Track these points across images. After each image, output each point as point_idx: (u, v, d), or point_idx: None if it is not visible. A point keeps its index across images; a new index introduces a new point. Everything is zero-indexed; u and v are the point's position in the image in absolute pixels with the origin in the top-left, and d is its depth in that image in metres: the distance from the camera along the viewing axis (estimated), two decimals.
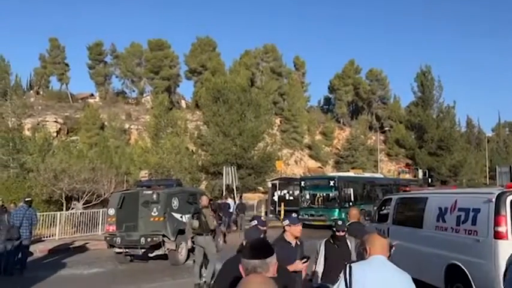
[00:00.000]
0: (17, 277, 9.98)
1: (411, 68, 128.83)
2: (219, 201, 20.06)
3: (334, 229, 5.07)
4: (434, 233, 7.19)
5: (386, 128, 54.45)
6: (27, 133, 29.69)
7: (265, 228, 4.37)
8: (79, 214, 17.83)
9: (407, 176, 35.96)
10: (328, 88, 67.84)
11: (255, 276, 1.81)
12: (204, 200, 9.39)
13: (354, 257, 4.83)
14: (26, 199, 11.08)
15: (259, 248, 2.19)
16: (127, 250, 11.35)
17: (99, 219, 17.80)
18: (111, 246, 11.59)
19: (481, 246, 6.07)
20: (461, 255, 6.42)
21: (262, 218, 4.84)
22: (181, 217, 12.00)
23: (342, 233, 5.02)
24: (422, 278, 7.02)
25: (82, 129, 41.89)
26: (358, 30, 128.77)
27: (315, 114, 62.88)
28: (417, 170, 36.96)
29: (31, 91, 55.60)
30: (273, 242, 4.17)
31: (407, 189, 11.62)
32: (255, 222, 4.33)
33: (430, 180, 34.31)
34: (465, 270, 6.27)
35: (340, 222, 5.15)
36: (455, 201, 6.87)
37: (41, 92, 56.43)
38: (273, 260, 2.16)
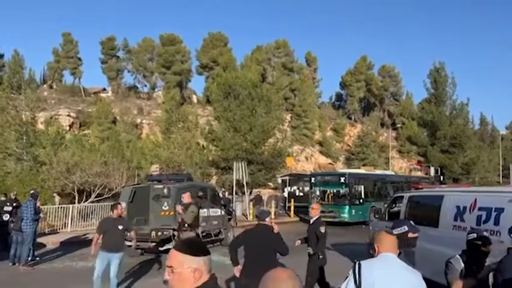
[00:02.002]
0: (27, 268, 10.18)
1: (424, 64, 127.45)
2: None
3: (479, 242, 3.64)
4: (452, 233, 6.93)
5: (398, 125, 54.01)
6: (40, 127, 30.05)
7: (417, 234, 3.82)
8: (92, 207, 18.03)
9: (419, 174, 35.69)
10: (340, 84, 67.48)
11: (283, 271, 1.70)
12: (186, 197, 9.40)
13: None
14: (31, 192, 11.40)
15: (199, 243, 2.07)
16: (138, 243, 11.45)
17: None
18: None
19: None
20: None
21: (411, 222, 4.17)
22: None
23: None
24: (437, 278, 6.89)
25: (94, 123, 42.26)
26: (371, 26, 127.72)
27: (326, 111, 62.61)
28: (429, 167, 36.58)
29: (44, 85, 56.22)
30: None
31: (420, 186, 11.50)
32: (405, 228, 3.74)
33: (442, 178, 33.96)
34: None
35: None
36: (475, 200, 6.62)
37: (54, 86, 57.01)
38: None
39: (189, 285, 1.88)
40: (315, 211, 6.82)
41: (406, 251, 3.16)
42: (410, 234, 3.43)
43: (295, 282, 1.64)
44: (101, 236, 7.55)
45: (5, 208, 12.19)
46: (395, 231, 3.46)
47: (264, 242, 5.13)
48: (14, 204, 12.37)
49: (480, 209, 6.45)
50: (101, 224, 7.97)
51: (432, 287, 6.29)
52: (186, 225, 8.99)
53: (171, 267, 1.90)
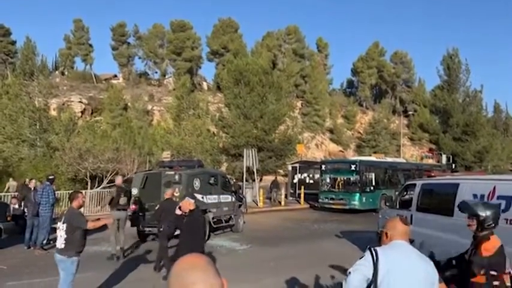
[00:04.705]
0: (42, 252, 10.43)
1: (437, 50, 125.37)
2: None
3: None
4: (468, 222, 6.83)
5: (410, 112, 53.43)
6: (53, 113, 30.39)
7: None
8: (105, 193, 18.27)
9: (431, 161, 35.42)
10: (351, 71, 66.79)
11: (195, 257, 1.32)
12: (118, 180, 10.70)
13: None
14: (49, 177, 11.60)
15: None
16: (149, 229, 11.61)
17: None
18: (134, 224, 11.90)
19: None
20: None
21: None
22: (202, 197, 12.19)
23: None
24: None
25: (106, 109, 42.52)
26: (383, 12, 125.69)
27: (337, 97, 62.10)
28: (441, 155, 36.27)
29: (56, 72, 56.57)
30: None
31: (433, 174, 11.41)
32: None
33: (453, 165, 33.69)
34: None
35: None
36: (494, 188, 6.40)
37: (66, 73, 57.36)
38: None
39: None
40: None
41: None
42: None
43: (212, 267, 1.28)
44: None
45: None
46: None
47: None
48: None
49: (499, 197, 6.25)
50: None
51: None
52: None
53: None
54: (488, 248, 3.43)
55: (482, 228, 3.56)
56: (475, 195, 6.73)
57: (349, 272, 2.75)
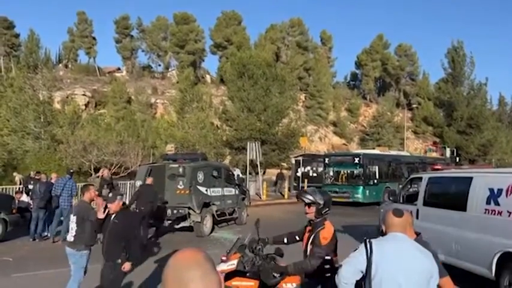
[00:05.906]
0: (51, 243, 10.53)
1: (442, 43, 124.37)
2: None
3: None
4: (483, 217, 6.45)
5: (414, 105, 53.18)
6: (57, 106, 30.48)
7: None
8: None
9: (435, 155, 35.31)
10: (355, 63, 66.42)
11: (192, 252, 1.28)
12: (101, 172, 11.86)
13: None
14: (70, 171, 11.85)
15: None
16: (152, 221, 11.69)
17: (126, 190, 18.30)
18: None
19: None
20: None
21: None
22: (206, 190, 12.24)
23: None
24: (462, 265, 6.61)
25: (109, 102, 42.60)
26: (387, 3, 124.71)
27: (341, 90, 61.82)
28: (445, 148, 36.18)
29: (60, 64, 56.61)
30: None
31: (439, 167, 11.33)
32: None
33: (458, 159, 33.60)
34: None
35: None
36: None
37: (70, 66, 57.40)
38: None
39: None
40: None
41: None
42: None
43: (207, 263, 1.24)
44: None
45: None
46: None
47: None
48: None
49: None
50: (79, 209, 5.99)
51: (461, 274, 6.13)
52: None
53: None
54: (327, 236, 3.64)
55: (320, 215, 3.74)
56: (491, 189, 6.43)
57: (341, 265, 2.77)
